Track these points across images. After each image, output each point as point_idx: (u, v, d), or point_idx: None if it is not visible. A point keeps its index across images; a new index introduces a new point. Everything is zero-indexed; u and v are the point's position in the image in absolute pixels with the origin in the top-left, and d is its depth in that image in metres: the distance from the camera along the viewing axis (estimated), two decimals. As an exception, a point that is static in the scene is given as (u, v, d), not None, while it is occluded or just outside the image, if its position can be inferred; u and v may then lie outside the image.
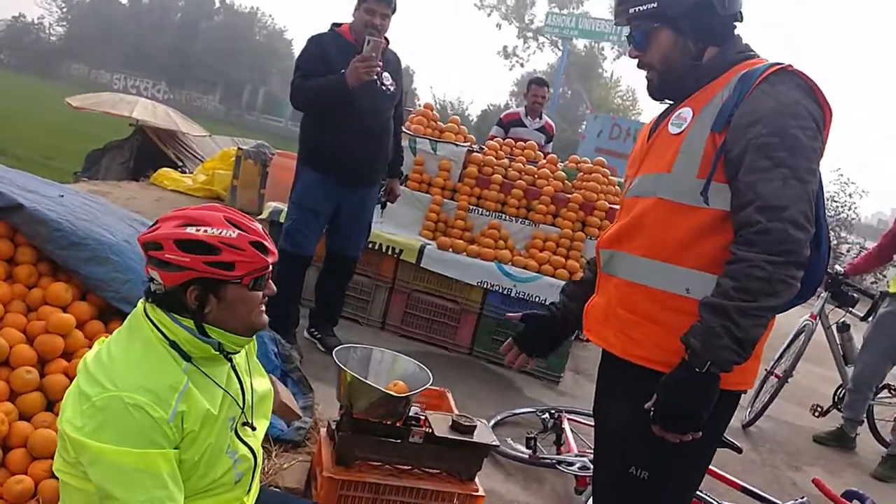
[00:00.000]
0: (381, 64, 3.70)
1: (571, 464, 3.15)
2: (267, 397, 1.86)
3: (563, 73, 25.50)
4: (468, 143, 5.31)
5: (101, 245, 2.55)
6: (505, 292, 4.65)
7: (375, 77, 3.73)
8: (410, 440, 2.52)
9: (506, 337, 4.50)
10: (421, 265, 4.74)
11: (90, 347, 2.42)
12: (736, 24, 1.75)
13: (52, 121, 17.85)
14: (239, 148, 8.43)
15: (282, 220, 4.92)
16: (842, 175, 17.31)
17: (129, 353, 1.52)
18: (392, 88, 3.93)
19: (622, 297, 1.75)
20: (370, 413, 2.42)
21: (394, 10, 3.77)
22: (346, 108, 3.72)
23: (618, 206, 4.99)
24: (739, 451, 3.20)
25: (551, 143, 6.52)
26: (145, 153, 10.25)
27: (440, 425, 2.59)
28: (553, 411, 3.56)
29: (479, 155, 5.22)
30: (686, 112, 1.70)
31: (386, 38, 3.83)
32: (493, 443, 2.59)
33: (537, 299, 4.60)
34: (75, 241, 2.50)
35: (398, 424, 2.50)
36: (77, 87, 25.82)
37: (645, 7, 1.71)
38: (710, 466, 3.13)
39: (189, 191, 8.42)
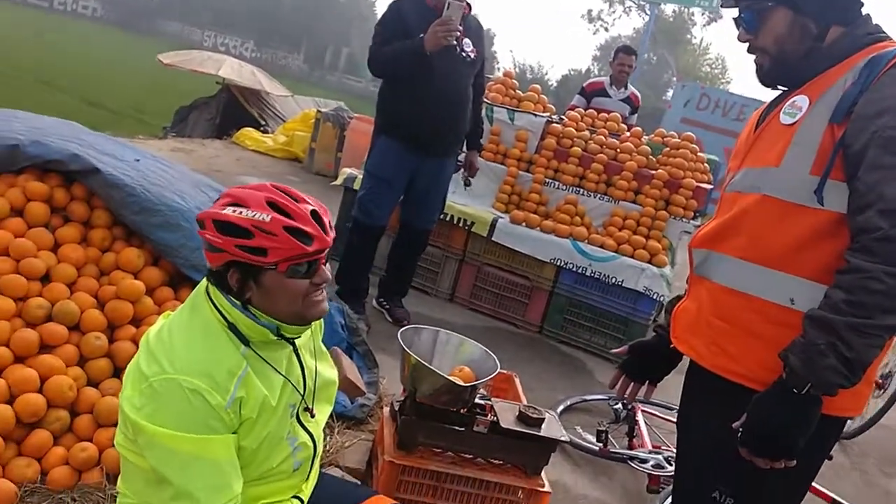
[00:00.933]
0: (461, 29, 3.55)
1: (644, 461, 3.01)
2: (331, 383, 1.79)
3: (648, 39, 24.52)
4: (547, 114, 5.11)
5: (173, 211, 2.54)
6: (579, 271, 4.48)
7: (455, 43, 3.58)
8: (475, 429, 2.43)
9: (578, 317, 4.47)
10: (492, 239, 4.61)
11: (159, 314, 2.44)
12: (862, 4, 1.54)
13: (144, 76, 18.44)
14: (318, 110, 8.44)
15: (356, 187, 4.90)
16: None
17: (190, 333, 1.46)
18: (472, 56, 3.77)
19: (716, 304, 1.58)
20: (434, 399, 2.33)
21: None
22: (424, 75, 3.60)
23: (706, 185, 4.69)
24: (829, 458, 2.98)
25: (636, 115, 6.22)
26: (230, 111, 10.45)
27: (506, 415, 2.48)
28: (625, 401, 3.40)
29: (558, 126, 5.01)
30: (801, 100, 1.51)
31: (468, 4, 3.66)
32: (563, 438, 2.47)
33: (613, 280, 4.41)
34: (148, 207, 2.49)
35: (463, 412, 2.41)
36: (168, 43, 26.54)
37: None
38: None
39: (269, 151, 8.52)
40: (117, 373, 2.30)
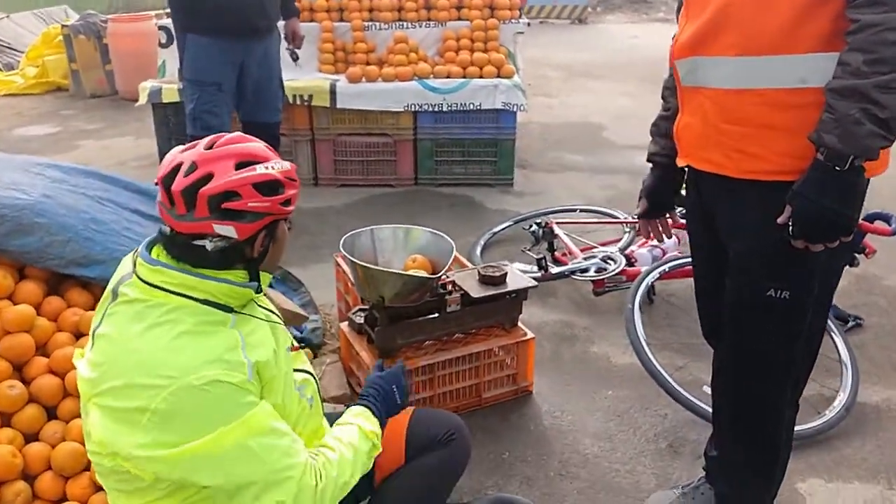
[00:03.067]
0: None
1: (585, 269, 3.10)
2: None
3: None
4: (340, -48, 4.63)
5: (19, 211, 2.06)
6: (435, 108, 4.31)
7: None
8: (448, 310, 2.35)
9: (449, 155, 4.37)
10: (337, 106, 4.28)
11: (61, 330, 2.05)
12: None
13: None
14: (63, 26, 7.16)
15: (166, 100, 4.32)
16: None
17: (159, 335, 1.24)
18: (259, -89, 3.24)
19: (723, 109, 1.49)
20: (404, 300, 2.20)
21: None
22: None
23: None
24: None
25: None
26: None
27: (469, 283, 2.41)
28: (538, 221, 3.45)
29: (356, -38, 4.57)
30: None
31: None
32: (530, 285, 2.45)
33: (471, 106, 4.30)
34: (-14, 217, 2.00)
35: (431, 298, 2.31)
36: None
37: None
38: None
39: (24, 90, 7.25)
40: (51, 414, 1.95)
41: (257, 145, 1.34)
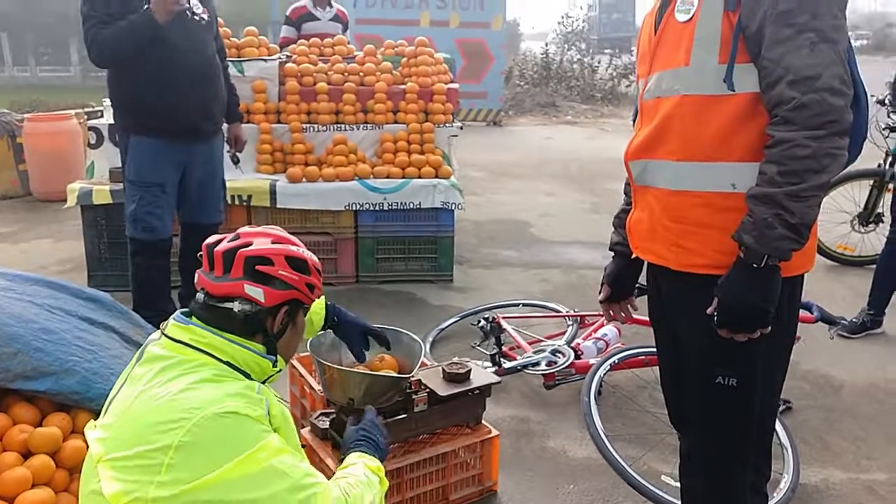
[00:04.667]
0: (189, -10, 3.07)
1: (536, 364, 3.14)
2: None
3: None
4: (276, 56, 4.75)
5: (-39, 323, 1.94)
6: (376, 208, 4.38)
7: (186, 6, 3.10)
8: (416, 410, 2.32)
9: (389, 252, 4.41)
10: (277, 206, 4.29)
11: (7, 451, 1.91)
12: None
13: None
14: (-26, 125, 6.92)
15: (97, 201, 4.21)
16: None
17: (181, 383, 1.33)
18: (206, 17, 3.32)
19: (666, 207, 1.64)
20: (375, 401, 2.16)
21: None
22: (162, 51, 3.11)
23: (454, 86, 4.80)
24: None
25: (347, 32, 6.04)
26: None
27: (435, 381, 2.41)
28: (486, 316, 3.49)
29: (293, 66, 4.70)
30: None
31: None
32: (495, 380, 2.47)
33: (410, 205, 4.39)
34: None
35: (399, 398, 2.28)
36: None
37: None
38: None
39: (-74, 190, 6.86)
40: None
41: (287, 235, 1.56)
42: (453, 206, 4.42)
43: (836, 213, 4.89)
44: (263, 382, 1.49)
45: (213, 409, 1.26)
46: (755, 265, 1.46)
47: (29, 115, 6.92)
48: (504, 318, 3.50)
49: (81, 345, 2.16)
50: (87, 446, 1.38)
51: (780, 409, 3.08)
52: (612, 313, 2.04)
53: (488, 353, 3.26)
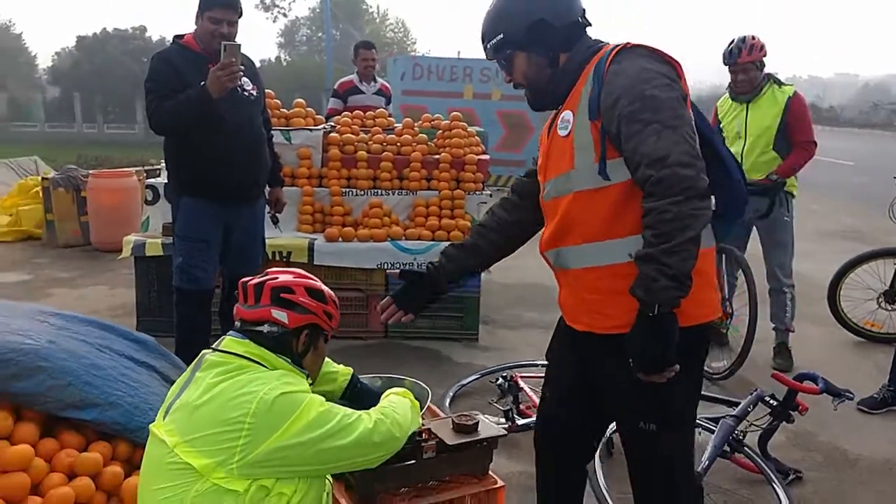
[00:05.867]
0: (242, 69, 3.42)
1: (548, 422, 3.26)
2: None
3: (329, 17, 24.93)
4: (322, 126, 5.11)
5: (25, 356, 2.20)
6: (406, 268, 4.60)
7: (238, 83, 3.45)
8: (424, 457, 2.48)
9: (418, 310, 4.60)
10: (314, 263, 4.56)
11: (55, 471, 2.13)
12: (583, 28, 1.97)
13: None
14: (43, 178, 7.47)
15: (150, 253, 4.54)
16: None
17: (245, 375, 1.70)
18: (255, 93, 3.67)
19: (582, 283, 1.94)
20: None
21: (240, 15, 3.48)
22: (214, 123, 3.43)
23: (485, 157, 5.08)
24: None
25: (390, 105, 6.43)
26: None
27: (444, 431, 2.56)
28: (504, 375, 3.66)
29: (336, 135, 5.04)
30: (567, 115, 1.92)
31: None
32: (501, 433, 2.61)
33: (439, 267, 4.61)
34: (-5, 361, 2.13)
35: (408, 444, 2.45)
36: None
37: (495, 40, 1.97)
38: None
39: (-4, 237, 7.40)
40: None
41: (312, 276, 1.92)
42: (480, 268, 4.62)
43: (864, 291, 4.95)
44: None
45: (271, 392, 1.62)
46: (650, 314, 1.71)
47: (93, 172, 7.45)
48: (522, 377, 3.66)
49: (126, 381, 2.40)
50: (128, 466, 1.68)
51: (790, 477, 3.15)
52: (386, 313, 2.32)
53: (501, 405, 3.41)
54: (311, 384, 1.90)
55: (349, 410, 1.77)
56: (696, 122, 1.84)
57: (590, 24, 1.99)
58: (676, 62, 1.84)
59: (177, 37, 3.56)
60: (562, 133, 1.93)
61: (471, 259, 2.29)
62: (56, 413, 2.22)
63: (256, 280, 1.84)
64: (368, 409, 2.36)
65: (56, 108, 36.30)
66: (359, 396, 2.35)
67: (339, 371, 2.30)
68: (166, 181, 4.05)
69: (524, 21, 1.91)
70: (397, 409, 1.92)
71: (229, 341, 1.80)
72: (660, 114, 1.72)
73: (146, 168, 7.87)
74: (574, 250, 1.93)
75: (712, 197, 1.78)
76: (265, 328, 1.80)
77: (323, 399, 1.74)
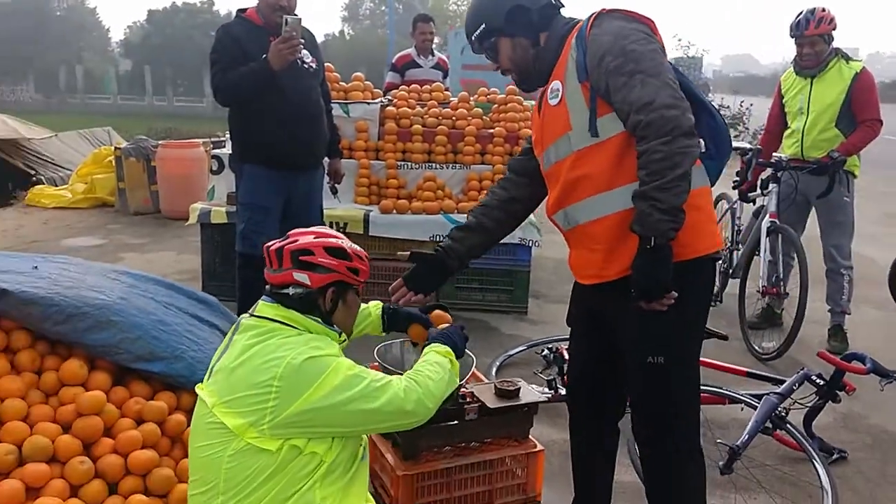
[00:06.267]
0: (303, 42, 3.54)
1: (591, 392, 3.33)
2: None
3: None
4: (379, 99, 5.21)
5: (99, 310, 2.39)
6: (415, 250, 4.69)
7: (298, 56, 3.57)
8: (467, 418, 2.59)
9: (467, 282, 4.71)
10: (369, 234, 4.70)
11: (125, 416, 2.32)
12: (556, 9, 2.10)
13: None
14: (116, 147, 7.83)
15: (214, 221, 4.75)
16: (680, 40, 18.42)
17: (275, 339, 1.75)
18: (314, 66, 3.79)
19: (593, 236, 2.06)
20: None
21: None
22: (274, 95, 3.57)
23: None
24: (725, 338, 3.52)
25: (448, 78, 6.49)
26: None
27: (486, 395, 2.66)
28: (550, 346, 3.73)
29: (392, 109, 5.14)
30: (556, 84, 2.05)
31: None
32: (542, 399, 2.70)
33: (491, 240, 4.69)
34: (73, 313, 2.32)
35: (451, 406, 2.56)
36: None
37: (478, 31, 2.10)
38: (715, 360, 3.43)
39: (72, 204, 7.83)
40: (113, 489, 2.18)
41: (332, 231, 1.95)
42: (530, 242, 4.69)
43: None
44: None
45: (298, 357, 1.67)
46: (647, 246, 1.86)
47: (162, 142, 7.76)
48: (567, 349, 3.72)
49: (190, 337, 2.57)
50: (191, 415, 1.83)
51: (833, 457, 3.15)
52: (397, 294, 2.39)
53: (546, 376, 3.49)
54: (344, 341, 1.96)
55: (380, 375, 1.80)
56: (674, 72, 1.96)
57: (563, 6, 2.13)
58: (650, 20, 1.98)
59: (240, 10, 3.70)
60: (553, 102, 2.06)
61: (477, 238, 2.38)
62: (126, 364, 2.40)
63: (277, 244, 1.86)
64: (412, 326, 2.42)
65: (128, 80, 37.55)
66: (397, 319, 2.41)
67: (369, 307, 2.36)
68: (230, 152, 4.22)
69: (502, 9, 2.05)
70: (432, 374, 1.91)
71: (262, 305, 1.85)
72: (642, 64, 1.86)
73: (213, 140, 8.14)
74: (581, 205, 2.05)
75: (701, 140, 1.95)
76: (290, 290, 1.82)
77: (352, 363, 1.77)
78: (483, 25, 2.08)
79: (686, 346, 2.11)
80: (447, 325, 2.28)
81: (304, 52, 3.70)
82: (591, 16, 2.00)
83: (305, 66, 3.73)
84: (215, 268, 4.88)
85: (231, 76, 3.51)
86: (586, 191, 2.03)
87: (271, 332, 1.77)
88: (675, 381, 2.10)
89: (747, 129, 16.32)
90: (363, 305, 2.29)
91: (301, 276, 1.81)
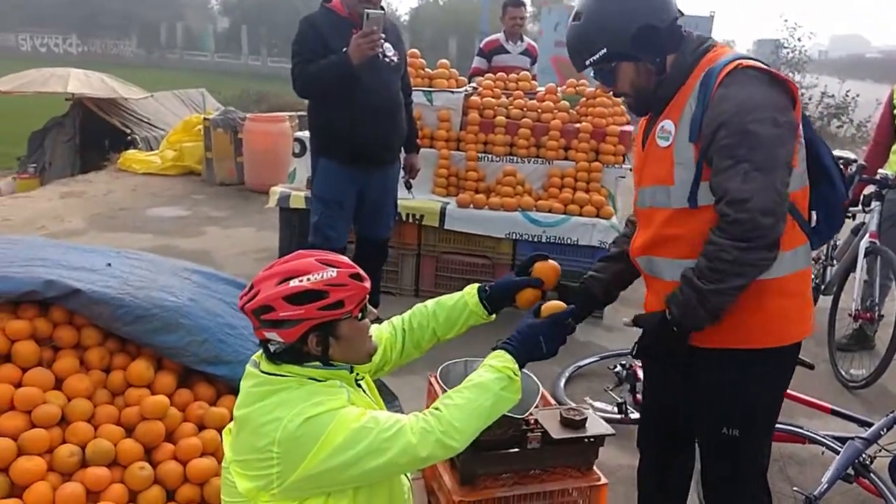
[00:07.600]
0: (383, 36, 3.45)
1: (663, 420, 3.18)
2: None
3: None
4: (463, 88, 5.09)
5: (168, 312, 2.40)
6: (535, 239, 4.58)
7: (379, 50, 3.49)
8: (528, 447, 2.50)
9: (542, 285, 4.57)
10: (445, 227, 4.62)
11: (187, 420, 2.33)
12: (679, 22, 1.89)
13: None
14: (205, 118, 8.01)
15: (293, 205, 4.77)
16: (787, 21, 17.62)
17: (276, 396, 1.59)
18: (396, 59, 3.70)
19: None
20: (490, 433, 2.36)
21: None
22: (353, 89, 3.51)
23: (628, 128, 4.88)
24: (811, 367, 3.28)
25: (536, 65, 6.28)
26: (89, 126, 9.85)
27: (551, 423, 2.56)
28: (623, 363, 3.57)
29: (476, 99, 5.01)
30: (668, 125, 1.89)
31: (382, 7, 3.55)
32: (608, 432, 2.58)
33: (568, 241, 4.54)
34: (141, 315, 2.34)
35: (514, 433, 2.47)
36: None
37: (598, 55, 1.87)
38: (801, 394, 3.23)
39: (161, 171, 8.08)
40: (171, 496, 2.20)
41: (303, 262, 1.62)
42: (610, 246, 4.50)
43: None
44: (358, 382, 1.76)
45: (295, 419, 1.52)
46: (674, 328, 1.85)
47: (250, 115, 7.87)
48: (640, 367, 3.56)
49: (256, 340, 2.54)
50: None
51: None
52: None
53: (617, 394, 3.34)
54: (358, 375, 1.77)
55: (389, 423, 1.57)
56: (805, 133, 1.85)
57: (682, 14, 1.92)
58: (790, 81, 1.81)
59: (325, 0, 3.64)
60: (662, 144, 1.91)
61: (617, 266, 2.30)
62: (192, 366, 2.41)
63: (241, 300, 1.63)
64: (520, 294, 2.18)
65: (225, 39, 38.56)
66: (500, 296, 2.16)
67: (464, 296, 2.10)
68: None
69: (628, 30, 1.82)
70: (463, 403, 1.66)
71: (259, 355, 1.70)
72: (755, 152, 1.70)
73: (299, 114, 8.21)
74: (667, 263, 1.96)
75: (813, 213, 1.90)
76: (272, 347, 1.63)
77: (359, 414, 1.56)
78: (605, 50, 1.85)
79: (764, 422, 2.05)
80: (556, 311, 1.97)
81: (386, 44, 3.62)
82: (724, 65, 1.78)
83: (387, 59, 3.64)
84: (291, 251, 4.88)
85: (310, 69, 3.47)
86: (675, 251, 1.94)
87: (270, 385, 1.61)
88: (745, 454, 2.03)
89: (851, 120, 15.30)
90: (457, 295, 2.09)
91: (271, 335, 1.60)
